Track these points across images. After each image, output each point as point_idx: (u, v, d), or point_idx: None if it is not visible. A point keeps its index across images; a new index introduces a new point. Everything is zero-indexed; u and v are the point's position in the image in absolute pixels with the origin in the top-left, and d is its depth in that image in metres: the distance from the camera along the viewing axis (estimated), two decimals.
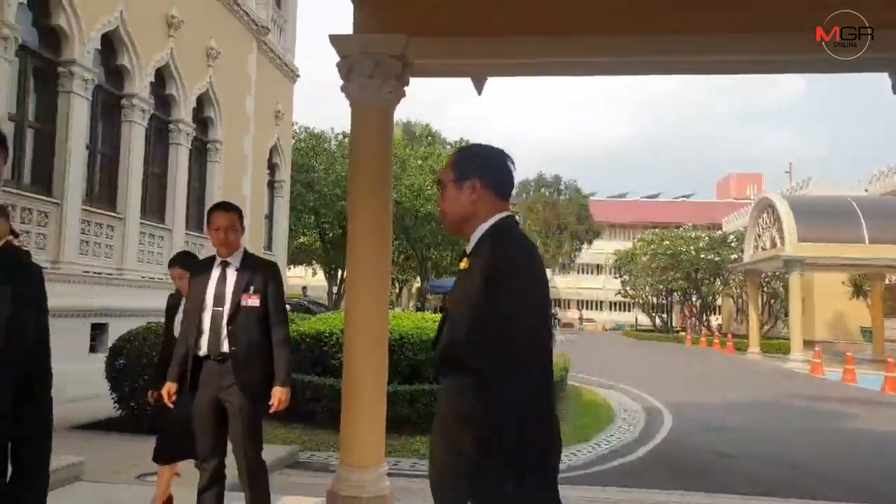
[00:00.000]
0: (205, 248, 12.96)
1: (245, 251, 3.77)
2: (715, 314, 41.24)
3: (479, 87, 5.72)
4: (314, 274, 39.20)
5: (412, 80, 5.04)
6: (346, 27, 4.87)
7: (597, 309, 57.39)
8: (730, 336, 29.64)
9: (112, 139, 10.49)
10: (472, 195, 1.93)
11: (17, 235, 2.99)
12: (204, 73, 12.59)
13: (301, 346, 8.12)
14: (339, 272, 33.40)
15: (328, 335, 8.14)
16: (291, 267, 32.32)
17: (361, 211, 4.54)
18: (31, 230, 8.71)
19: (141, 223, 10.92)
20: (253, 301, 3.56)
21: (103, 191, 10.37)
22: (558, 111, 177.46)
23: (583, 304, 56.87)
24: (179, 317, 4.13)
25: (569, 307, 56.16)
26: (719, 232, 39.21)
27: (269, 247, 16.50)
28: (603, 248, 52.51)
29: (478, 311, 1.78)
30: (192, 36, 11.91)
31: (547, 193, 50.84)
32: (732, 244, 33.72)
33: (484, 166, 1.98)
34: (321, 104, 32.13)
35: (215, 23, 12.88)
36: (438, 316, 10.61)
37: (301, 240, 29.46)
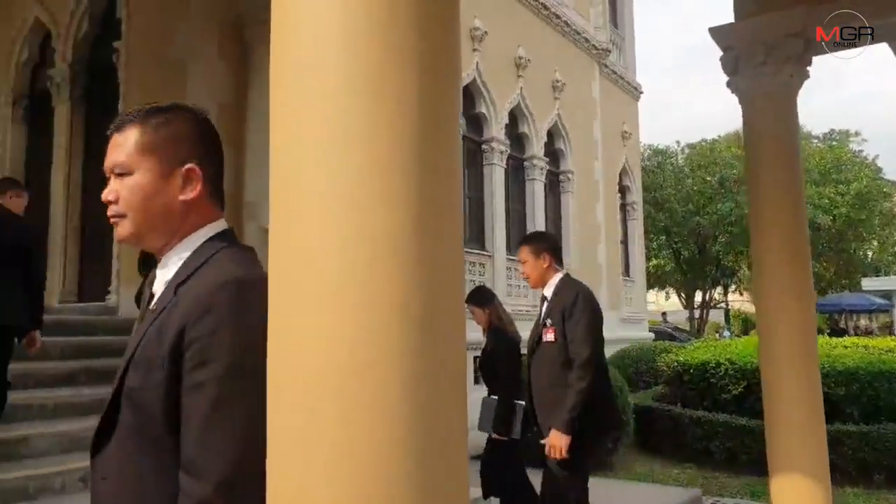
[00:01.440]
0: None
1: (560, 280, 3.48)
2: None
3: None
4: (667, 298, 37.54)
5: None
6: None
7: None
8: None
9: (476, 183, 11.30)
10: None
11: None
12: (551, 106, 12.89)
13: (684, 377, 7.42)
14: (699, 295, 31.35)
15: (714, 366, 7.25)
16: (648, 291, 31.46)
17: (769, 218, 3.81)
18: None
19: (507, 259, 11.48)
20: (548, 336, 3.32)
21: (473, 231, 11.17)
22: None
23: None
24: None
25: None
26: None
27: (626, 272, 16.08)
28: None
29: None
30: (537, 72, 12.31)
31: None
32: None
33: None
34: (653, 117, 31.02)
35: (558, 55, 13.15)
36: (849, 340, 8.92)
37: (653, 262, 28.43)
